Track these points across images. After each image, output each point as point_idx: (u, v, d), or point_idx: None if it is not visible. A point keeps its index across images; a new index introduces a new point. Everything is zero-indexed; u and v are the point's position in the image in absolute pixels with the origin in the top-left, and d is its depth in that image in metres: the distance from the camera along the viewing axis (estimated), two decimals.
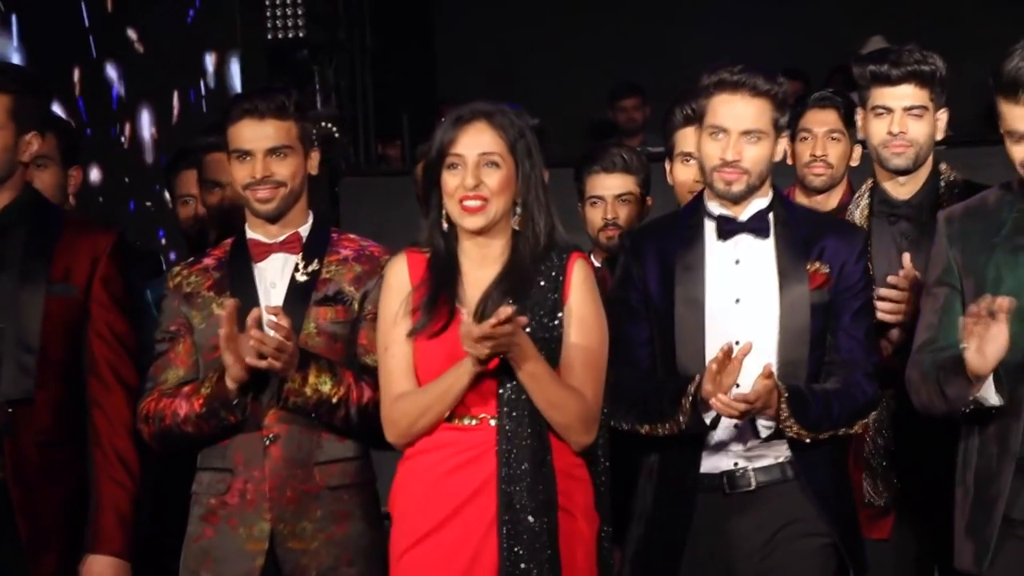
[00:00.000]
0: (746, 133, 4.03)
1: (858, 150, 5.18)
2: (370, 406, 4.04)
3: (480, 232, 3.88)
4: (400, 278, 3.93)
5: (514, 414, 3.78)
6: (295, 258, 4.18)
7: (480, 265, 3.90)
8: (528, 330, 3.77)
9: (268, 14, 8.14)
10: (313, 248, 4.18)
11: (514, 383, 3.78)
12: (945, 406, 3.86)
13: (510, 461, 3.76)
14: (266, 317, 3.96)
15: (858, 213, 4.60)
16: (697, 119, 4.16)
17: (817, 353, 4.04)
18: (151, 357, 4.24)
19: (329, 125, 8.14)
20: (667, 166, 4.77)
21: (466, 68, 9.29)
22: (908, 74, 4.49)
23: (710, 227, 4.12)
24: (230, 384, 4.02)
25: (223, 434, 4.10)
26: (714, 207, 4.12)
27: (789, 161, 5.19)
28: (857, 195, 4.68)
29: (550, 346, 3.83)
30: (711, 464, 4.04)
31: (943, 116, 4.57)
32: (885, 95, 4.51)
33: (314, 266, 4.16)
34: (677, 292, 4.06)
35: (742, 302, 4.05)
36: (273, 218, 4.16)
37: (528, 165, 3.89)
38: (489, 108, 3.91)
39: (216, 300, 4.15)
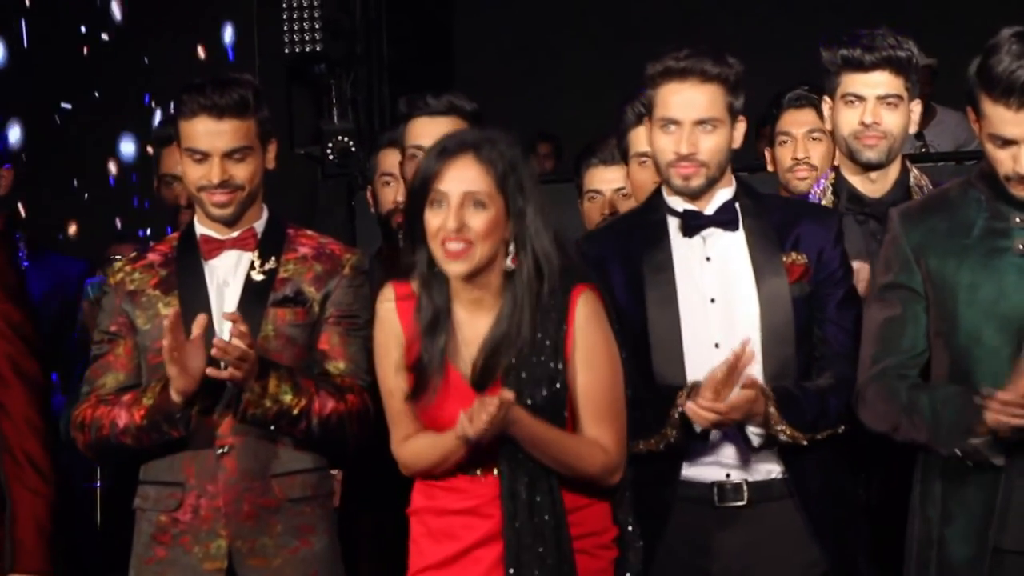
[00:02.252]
0: (700, 123, 3.79)
1: (826, 178, 4.76)
2: (332, 417, 3.81)
3: (468, 276, 3.56)
4: (391, 321, 3.62)
5: (516, 473, 3.53)
6: (249, 255, 3.91)
7: (474, 311, 3.58)
8: (522, 392, 3.48)
9: (285, 28, 8.11)
10: (269, 245, 3.92)
11: (516, 448, 3.53)
12: (930, 441, 3.59)
13: (515, 522, 3.51)
14: (220, 324, 3.71)
15: None
16: (646, 111, 3.91)
17: (804, 349, 3.80)
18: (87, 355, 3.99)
19: (346, 139, 8.11)
20: (624, 169, 4.51)
21: (484, 81, 9.23)
22: (883, 60, 4.22)
23: (674, 224, 3.86)
24: (175, 397, 3.74)
25: (165, 448, 3.83)
26: (676, 203, 3.86)
27: (770, 167, 5.00)
28: (819, 189, 4.39)
29: (555, 396, 3.55)
30: (699, 473, 3.78)
31: (916, 108, 4.30)
32: (857, 82, 4.24)
33: (271, 264, 3.90)
34: (648, 296, 3.80)
35: (717, 301, 3.81)
36: (229, 222, 3.91)
37: (520, 200, 3.52)
38: (476, 138, 3.55)
39: (163, 299, 3.89)
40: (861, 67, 4.23)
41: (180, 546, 3.83)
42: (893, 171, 4.30)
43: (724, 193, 3.87)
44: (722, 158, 3.83)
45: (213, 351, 3.67)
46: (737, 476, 3.79)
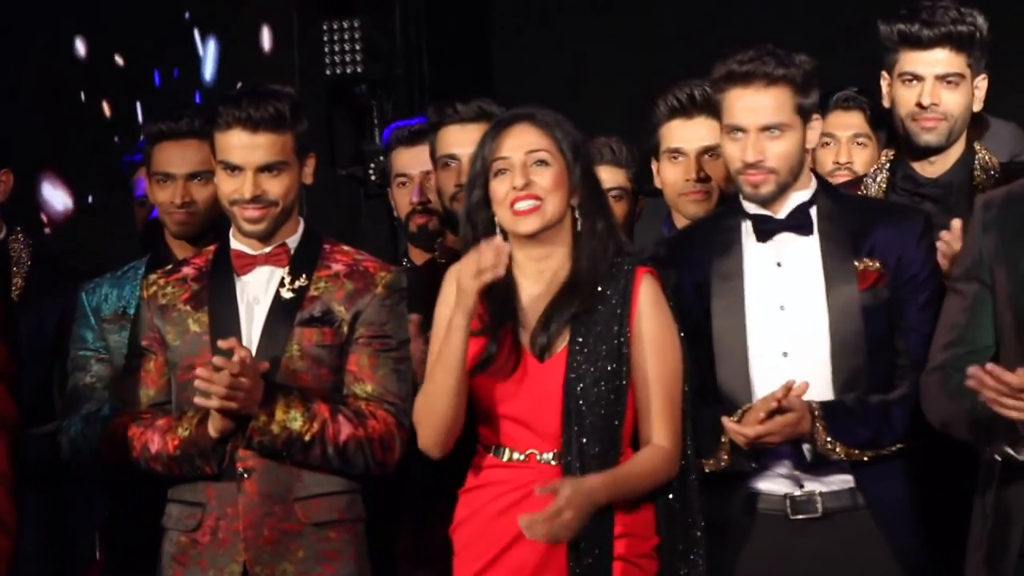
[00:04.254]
0: (765, 129, 3.69)
1: (884, 156, 4.63)
2: (350, 444, 3.70)
3: (535, 238, 3.61)
4: (453, 292, 3.66)
5: (585, 457, 3.55)
6: (281, 271, 3.82)
7: (537, 282, 3.66)
8: (587, 353, 3.56)
9: (326, 49, 8.12)
10: (302, 261, 3.82)
11: (581, 420, 3.56)
12: (971, 440, 3.47)
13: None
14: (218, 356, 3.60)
15: (874, 188, 4.15)
16: (709, 113, 3.88)
17: (881, 358, 3.68)
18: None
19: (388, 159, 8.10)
20: (654, 166, 4.34)
21: (527, 101, 9.26)
22: (942, 36, 3.99)
23: (748, 228, 3.77)
24: (212, 433, 3.68)
25: (195, 478, 3.75)
26: (750, 206, 3.77)
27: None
28: (875, 167, 4.21)
29: (618, 371, 3.59)
30: (771, 485, 3.71)
31: (982, 84, 4.07)
32: (915, 60, 4.02)
33: (301, 281, 3.80)
34: (714, 304, 3.73)
35: (787, 309, 3.71)
36: (262, 238, 3.82)
37: (580, 165, 3.63)
38: (527, 110, 3.69)
39: (193, 315, 3.81)
40: (919, 44, 4.02)
41: (197, 568, 3.75)
42: (955, 152, 4.10)
43: (798, 196, 3.77)
44: (793, 162, 3.73)
45: (196, 382, 3.60)
46: (810, 487, 3.70)
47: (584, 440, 3.57)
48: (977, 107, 4.11)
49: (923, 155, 4.11)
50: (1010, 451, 3.40)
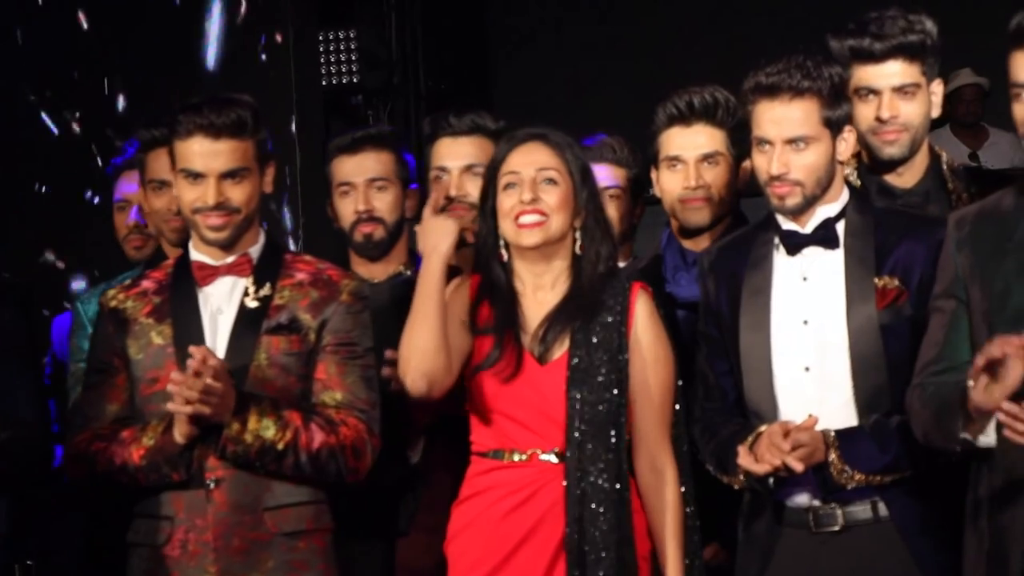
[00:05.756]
0: (790, 142, 3.67)
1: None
2: (322, 452, 3.68)
3: (537, 251, 3.73)
4: (462, 290, 3.81)
5: (587, 457, 3.61)
6: (244, 281, 3.79)
7: (535, 293, 3.77)
8: (589, 355, 3.66)
9: (322, 60, 8.12)
10: (264, 271, 3.80)
11: (583, 420, 3.62)
12: (941, 440, 3.43)
13: (583, 503, 3.60)
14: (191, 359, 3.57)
15: None
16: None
17: (905, 376, 3.58)
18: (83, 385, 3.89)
19: None
20: (653, 174, 4.28)
21: (524, 111, 9.23)
22: (894, 48, 3.96)
23: (779, 241, 3.77)
24: (178, 439, 3.65)
25: (163, 487, 3.72)
26: (781, 219, 3.76)
27: None
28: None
29: (619, 380, 3.68)
30: (795, 499, 3.69)
31: (938, 89, 4.03)
32: (869, 74, 3.98)
33: (266, 291, 3.78)
34: (742, 319, 3.73)
35: (810, 324, 3.69)
36: (225, 246, 3.80)
37: (585, 188, 3.75)
38: (541, 129, 3.80)
39: (156, 328, 3.78)
40: (872, 58, 3.98)
41: None
42: (921, 160, 4.07)
43: (826, 210, 3.75)
44: (820, 175, 3.70)
45: (170, 387, 3.57)
46: (832, 500, 3.67)
47: (587, 436, 3.62)
48: (935, 113, 4.08)
49: (889, 168, 4.07)
50: (968, 437, 3.37)
